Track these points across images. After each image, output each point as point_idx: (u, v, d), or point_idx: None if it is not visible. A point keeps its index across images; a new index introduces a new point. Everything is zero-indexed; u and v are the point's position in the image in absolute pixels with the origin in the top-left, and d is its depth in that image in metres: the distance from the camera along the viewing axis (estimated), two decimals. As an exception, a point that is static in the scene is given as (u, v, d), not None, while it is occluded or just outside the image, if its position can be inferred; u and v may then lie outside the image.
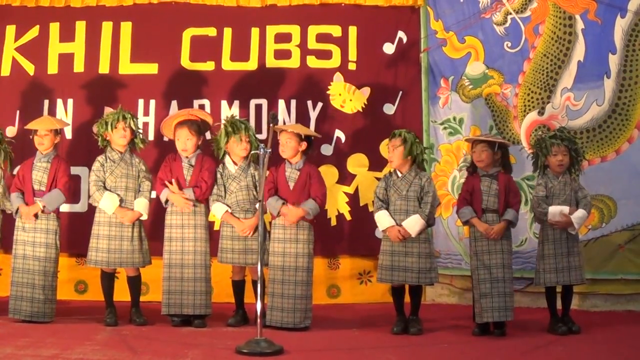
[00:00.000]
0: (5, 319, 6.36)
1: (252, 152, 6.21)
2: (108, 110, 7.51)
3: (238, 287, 6.62)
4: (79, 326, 6.33)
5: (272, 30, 7.95)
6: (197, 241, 6.39)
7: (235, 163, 6.54)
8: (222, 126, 6.59)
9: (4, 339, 5.58)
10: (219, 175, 6.55)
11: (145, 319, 6.42)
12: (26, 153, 6.79)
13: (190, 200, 6.36)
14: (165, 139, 7.12)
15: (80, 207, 7.66)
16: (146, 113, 7.79)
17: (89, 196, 6.54)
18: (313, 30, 7.97)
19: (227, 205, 6.46)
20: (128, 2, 7.93)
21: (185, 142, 6.42)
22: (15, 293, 6.32)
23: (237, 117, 6.74)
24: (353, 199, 7.87)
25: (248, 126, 6.59)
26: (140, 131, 6.71)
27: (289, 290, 6.29)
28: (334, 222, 7.83)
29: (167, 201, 6.44)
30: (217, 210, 6.48)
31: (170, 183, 6.36)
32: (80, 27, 7.95)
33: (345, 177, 7.89)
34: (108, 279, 6.51)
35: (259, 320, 5.36)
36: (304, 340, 5.89)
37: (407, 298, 6.37)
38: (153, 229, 6.77)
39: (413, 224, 6.17)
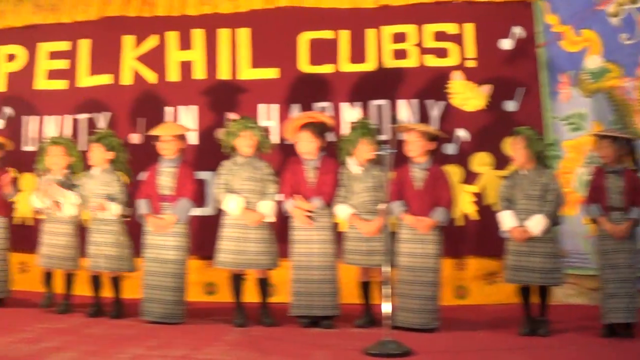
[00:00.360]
0: (136, 320, 7.11)
1: (378, 153, 6.54)
2: (230, 116, 8.42)
3: (365, 289, 7.17)
4: (208, 327, 6.99)
5: (387, 31, 8.65)
6: (323, 243, 6.98)
7: (359, 164, 7.11)
8: (353, 128, 7.23)
9: (134, 339, 6.22)
10: (342, 177, 7.15)
11: (274, 319, 7.04)
12: (151, 159, 7.55)
13: (315, 210, 6.96)
14: (288, 142, 7.78)
15: (208, 210, 8.55)
16: (268, 117, 8.60)
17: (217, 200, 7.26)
18: (429, 28, 8.62)
19: (352, 207, 7.03)
20: (244, 9, 8.87)
21: (308, 145, 7.07)
22: (147, 295, 7.09)
23: (366, 119, 7.42)
24: (478, 198, 8.40)
25: (375, 128, 7.18)
26: (266, 136, 7.39)
27: (417, 291, 6.76)
28: (460, 223, 8.34)
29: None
30: (342, 212, 7.07)
31: (295, 192, 7.04)
32: (198, 34, 8.98)
33: (469, 177, 8.41)
34: (237, 280, 7.18)
35: (386, 321, 5.79)
36: (431, 341, 6.27)
37: (536, 299, 6.70)
38: (282, 231, 7.34)
39: (536, 223, 6.56)
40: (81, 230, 7.91)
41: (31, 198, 7.88)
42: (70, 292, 7.82)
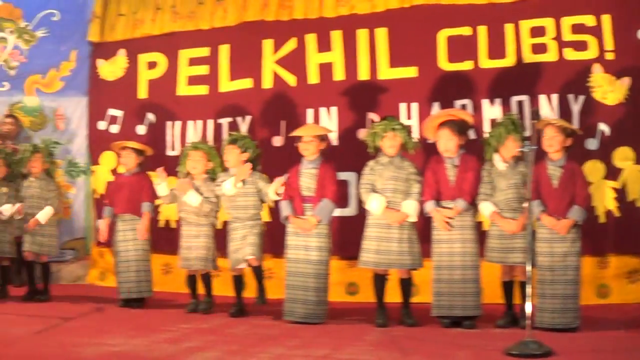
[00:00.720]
0: (278, 321, 7.74)
1: (521, 149, 6.79)
2: (372, 116, 9.29)
3: (507, 288, 7.57)
4: (350, 327, 7.52)
5: (526, 25, 9.17)
6: (465, 242, 7.42)
7: (505, 160, 7.52)
8: (500, 124, 7.64)
9: (276, 339, 6.67)
10: (486, 174, 7.56)
11: (415, 320, 7.53)
12: (293, 161, 8.20)
13: (458, 211, 7.40)
14: (429, 141, 8.21)
15: (349, 211, 9.45)
16: (408, 116, 9.31)
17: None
18: (567, 21, 9.07)
19: (495, 204, 7.45)
20: (381, 8, 9.72)
21: (447, 143, 7.51)
22: (289, 296, 7.73)
23: (513, 115, 7.83)
24: (621, 194, 8.77)
25: (521, 124, 7.64)
26: (413, 136, 7.88)
27: (557, 290, 7.12)
28: (602, 220, 8.78)
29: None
30: (485, 210, 7.49)
31: (436, 191, 7.49)
32: (336, 36, 9.90)
33: (612, 172, 8.80)
34: (380, 280, 7.68)
35: (528, 321, 6.06)
36: (572, 341, 6.56)
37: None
38: (425, 230, 7.77)
39: None
40: (220, 231, 8.80)
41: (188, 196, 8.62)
42: (211, 293, 8.76)
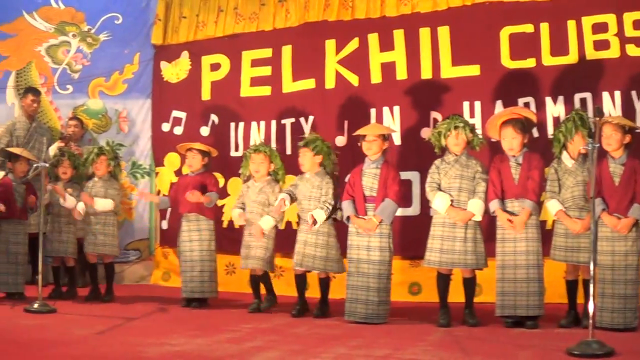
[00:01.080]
0: (340, 320, 7.80)
1: (586, 147, 6.70)
2: (434, 115, 9.40)
3: (571, 287, 7.57)
4: (412, 327, 7.57)
5: (588, 21, 9.07)
6: (529, 241, 7.36)
7: (572, 158, 7.53)
8: (568, 120, 7.59)
9: (338, 339, 6.71)
10: (553, 171, 7.60)
11: (478, 319, 7.52)
12: (356, 161, 8.34)
13: (527, 212, 7.32)
14: (492, 139, 8.22)
15: (412, 210, 9.53)
16: (472, 115, 9.34)
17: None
18: (629, 17, 8.92)
19: (561, 202, 7.45)
20: (442, 7, 9.79)
21: (511, 142, 7.49)
22: (351, 296, 7.77)
23: (581, 111, 7.76)
24: None
25: (589, 121, 7.50)
26: (476, 134, 7.84)
27: (619, 290, 7.09)
28: None
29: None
30: (552, 208, 7.51)
31: (500, 190, 7.48)
32: (399, 35, 10.00)
33: None
34: (443, 279, 7.71)
35: (590, 321, 6.02)
36: (633, 341, 6.55)
37: None
38: (490, 229, 7.79)
39: None
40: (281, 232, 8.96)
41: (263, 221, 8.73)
42: (272, 290, 8.90)
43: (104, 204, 9.47)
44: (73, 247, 9.71)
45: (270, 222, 8.61)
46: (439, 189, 7.70)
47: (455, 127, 7.68)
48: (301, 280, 8.51)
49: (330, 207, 8.22)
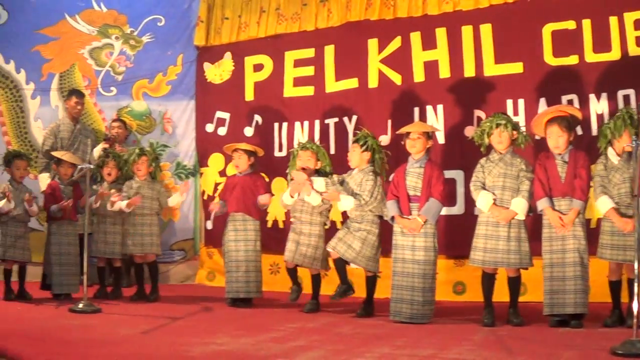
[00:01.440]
0: (384, 320, 7.87)
1: (631, 145, 6.54)
2: (478, 114, 9.46)
3: (615, 286, 7.57)
4: (456, 327, 7.61)
5: (630, 18, 9.02)
6: (576, 239, 7.38)
7: (618, 154, 7.51)
8: (617, 117, 7.55)
9: (382, 339, 6.74)
10: (602, 167, 7.57)
11: (522, 319, 7.58)
12: (400, 160, 8.43)
13: (576, 212, 7.34)
14: (537, 137, 8.36)
15: (457, 209, 9.61)
16: (515, 113, 9.32)
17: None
18: None
19: (612, 199, 7.40)
20: (484, 4, 9.83)
21: (557, 139, 7.52)
22: (396, 296, 7.84)
23: (632, 110, 7.65)
24: None
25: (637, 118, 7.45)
26: (521, 132, 7.86)
27: None
28: None
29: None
30: (602, 205, 7.46)
31: (546, 188, 7.48)
32: (441, 33, 10.08)
33: None
34: (488, 279, 7.79)
35: (635, 320, 6.02)
36: None
37: None
38: (535, 228, 7.82)
39: None
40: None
41: (283, 196, 9.02)
42: (318, 295, 8.95)
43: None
44: (119, 247, 9.88)
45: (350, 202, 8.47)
46: (483, 187, 7.76)
47: (498, 125, 7.75)
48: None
49: (362, 201, 8.26)
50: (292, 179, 8.90)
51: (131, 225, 9.71)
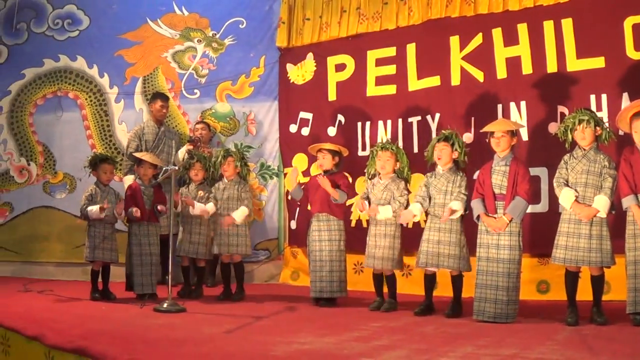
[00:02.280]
0: (467, 319, 7.96)
1: None
2: (561, 109, 9.49)
3: None
4: (540, 326, 7.56)
5: None
6: None
7: None
8: None
9: (465, 338, 6.79)
10: None
11: (606, 318, 7.53)
12: (484, 158, 8.54)
13: None
14: (621, 132, 8.38)
15: (541, 207, 9.63)
16: (599, 108, 9.28)
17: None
18: None
19: None
20: None
21: None
22: (480, 295, 7.90)
23: None
24: None
25: None
26: (607, 126, 7.89)
27: None
28: None
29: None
30: None
31: (633, 185, 7.43)
32: (522, 29, 10.13)
33: None
34: (572, 277, 7.79)
35: None
36: None
37: None
38: (619, 226, 7.79)
39: None
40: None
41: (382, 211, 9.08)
42: (395, 294, 9.01)
43: (241, 214, 9.89)
44: (204, 248, 10.17)
45: (388, 211, 8.78)
46: (566, 184, 7.78)
47: (580, 121, 7.76)
48: (429, 279, 8.64)
49: (466, 198, 8.39)
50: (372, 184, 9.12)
51: (219, 225, 9.93)
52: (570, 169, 7.79)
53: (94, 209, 9.54)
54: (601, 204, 7.54)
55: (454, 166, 8.58)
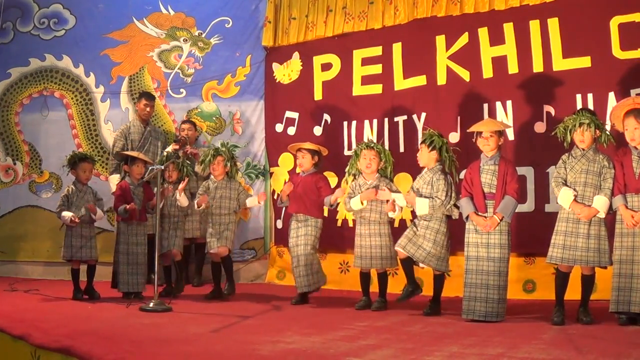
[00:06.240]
0: (454, 319, 7.92)
1: None
2: (548, 109, 9.44)
3: None
4: (526, 325, 7.55)
5: None
6: None
7: None
8: None
9: (451, 337, 6.76)
10: None
11: (592, 317, 7.50)
12: (470, 158, 8.48)
13: None
14: (622, 131, 7.94)
15: (526, 207, 9.54)
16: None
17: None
18: None
19: None
20: None
21: (633, 132, 7.45)
22: (469, 294, 7.85)
23: None
24: None
25: None
26: (607, 127, 7.92)
27: None
28: None
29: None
30: None
31: (623, 185, 7.42)
32: (508, 28, 10.07)
33: None
34: (563, 277, 7.73)
35: None
36: None
37: None
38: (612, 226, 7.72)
39: None
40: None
41: (351, 201, 9.06)
42: (385, 293, 9.00)
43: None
44: (179, 241, 10.15)
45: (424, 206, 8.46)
46: (565, 183, 7.75)
47: (581, 124, 7.71)
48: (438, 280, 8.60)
49: (438, 201, 8.31)
50: (352, 180, 9.10)
51: (210, 225, 9.92)
52: (569, 169, 7.75)
53: (66, 216, 9.52)
54: (601, 204, 7.54)
55: (435, 167, 8.47)
